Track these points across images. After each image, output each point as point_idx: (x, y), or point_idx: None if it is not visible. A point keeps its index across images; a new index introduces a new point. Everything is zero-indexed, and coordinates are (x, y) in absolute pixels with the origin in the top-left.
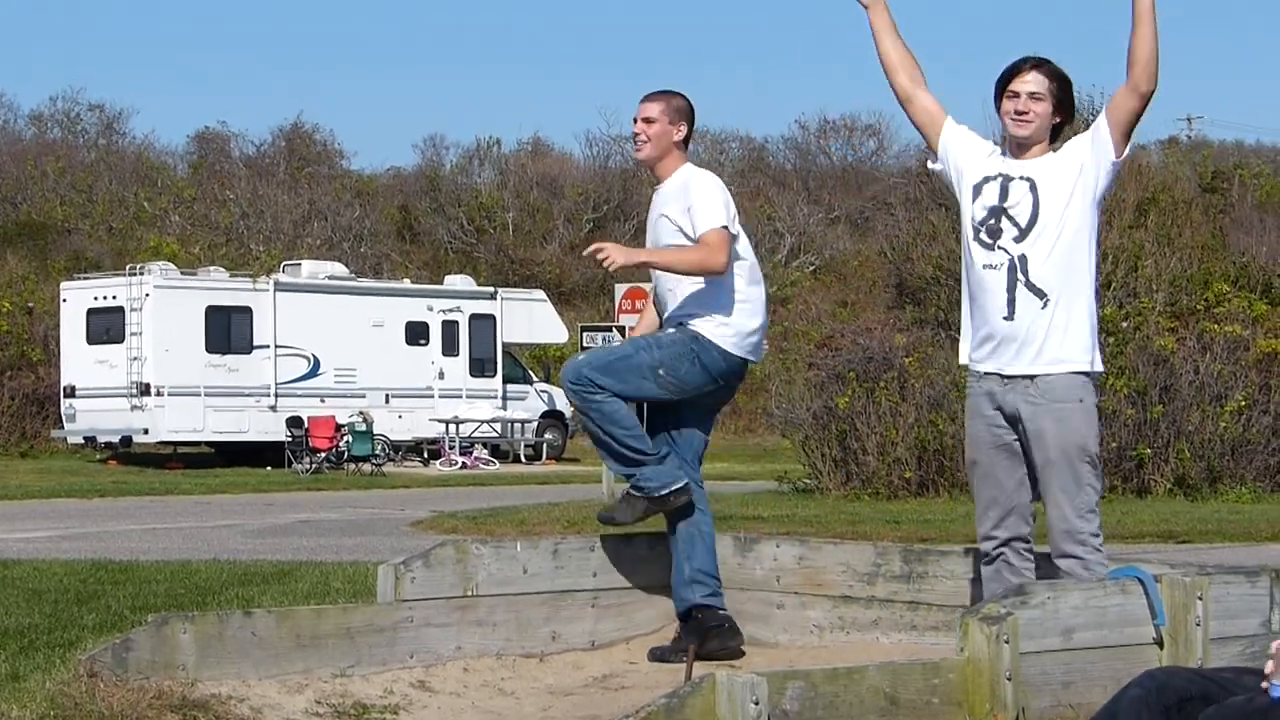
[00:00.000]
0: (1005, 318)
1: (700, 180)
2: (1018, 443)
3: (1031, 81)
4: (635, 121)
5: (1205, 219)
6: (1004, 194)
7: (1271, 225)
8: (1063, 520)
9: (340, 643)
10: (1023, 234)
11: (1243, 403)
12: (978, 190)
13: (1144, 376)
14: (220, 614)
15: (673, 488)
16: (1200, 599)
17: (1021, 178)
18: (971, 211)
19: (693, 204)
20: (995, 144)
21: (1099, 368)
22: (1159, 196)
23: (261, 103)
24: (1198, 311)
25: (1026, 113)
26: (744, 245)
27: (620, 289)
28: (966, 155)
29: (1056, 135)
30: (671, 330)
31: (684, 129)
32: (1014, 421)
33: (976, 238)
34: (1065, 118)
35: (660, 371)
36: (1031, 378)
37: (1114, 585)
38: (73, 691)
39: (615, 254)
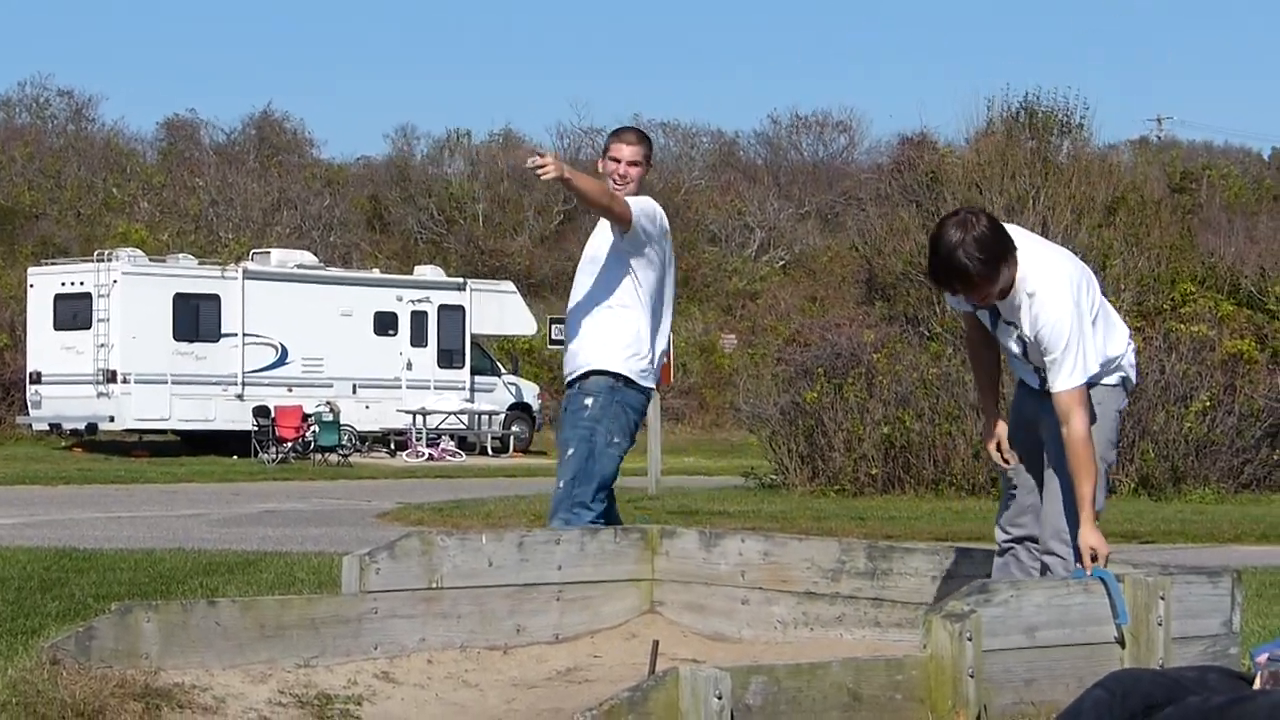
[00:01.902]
0: (1039, 386)
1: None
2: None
3: (976, 288)
4: (619, 162)
5: (1174, 219)
6: (993, 322)
7: (1239, 226)
8: (1055, 519)
9: (304, 633)
10: (1023, 352)
11: (1207, 403)
12: (995, 331)
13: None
14: (184, 603)
15: None
16: (1163, 598)
17: (1009, 322)
18: (1004, 345)
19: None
20: None
21: (1131, 375)
22: (1128, 196)
23: (232, 90)
24: (1164, 311)
25: (984, 301)
26: (655, 262)
27: None
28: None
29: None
30: (587, 398)
31: (649, 162)
32: (1034, 422)
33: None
34: (1010, 267)
35: (615, 440)
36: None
37: (1077, 584)
38: (35, 679)
39: (552, 167)
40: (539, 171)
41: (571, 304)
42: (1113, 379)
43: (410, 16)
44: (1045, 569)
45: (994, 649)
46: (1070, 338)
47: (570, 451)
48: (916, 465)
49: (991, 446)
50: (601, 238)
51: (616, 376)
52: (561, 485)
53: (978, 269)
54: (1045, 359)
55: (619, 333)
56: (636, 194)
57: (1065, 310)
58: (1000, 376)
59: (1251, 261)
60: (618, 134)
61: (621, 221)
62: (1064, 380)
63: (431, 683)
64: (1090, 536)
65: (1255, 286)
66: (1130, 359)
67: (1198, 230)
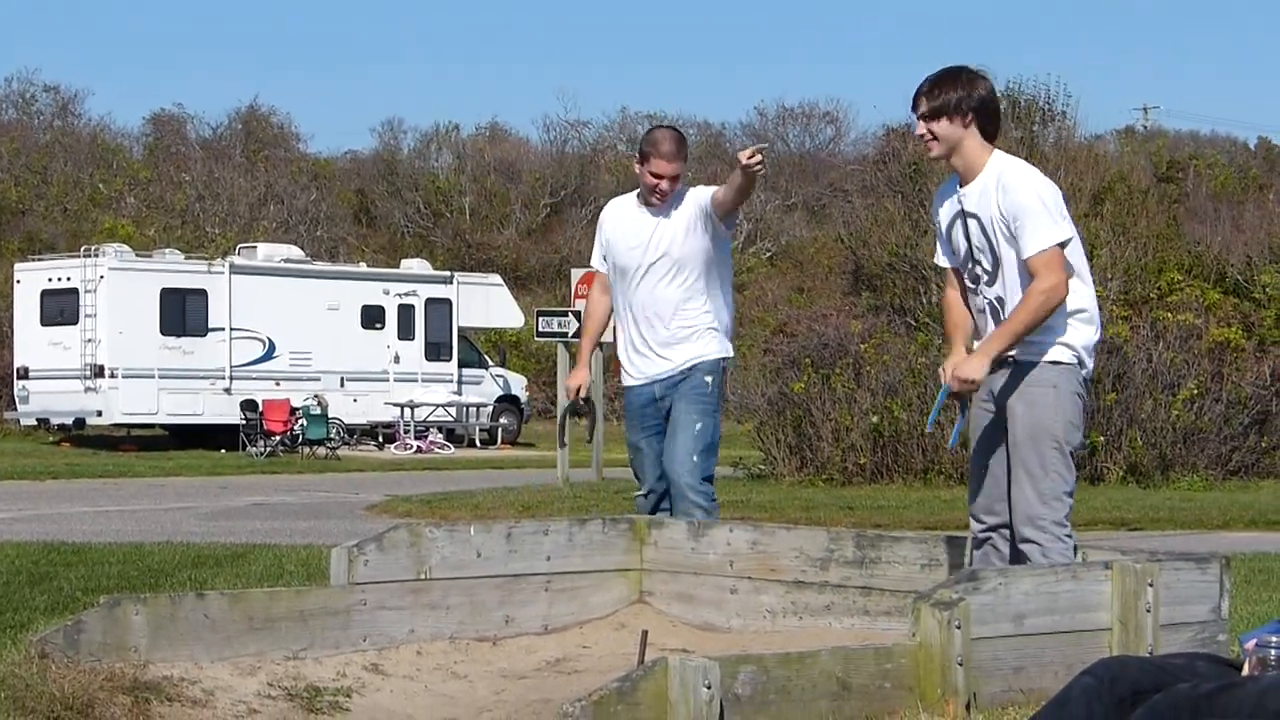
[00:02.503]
0: None
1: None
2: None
3: (921, 104)
4: (661, 179)
5: (1160, 208)
6: (966, 235)
7: (1225, 215)
8: (1025, 504)
9: (293, 625)
10: (991, 278)
11: (1195, 391)
12: (951, 235)
13: (1097, 364)
14: (173, 596)
15: None
16: (1151, 585)
17: (970, 214)
18: (957, 257)
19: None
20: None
21: (1087, 360)
22: (1115, 186)
23: (218, 85)
24: (1151, 300)
25: (924, 135)
26: (727, 246)
27: (576, 274)
28: (943, 229)
29: (992, 136)
30: (706, 375)
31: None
32: (1000, 405)
33: (963, 282)
34: (979, 119)
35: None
36: (1013, 361)
37: (1065, 571)
38: (23, 673)
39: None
40: (758, 168)
41: (657, 295)
42: (1069, 356)
43: (397, 10)
44: (1017, 557)
45: (982, 637)
46: (1042, 202)
47: (699, 426)
48: (905, 454)
49: (948, 366)
50: (670, 235)
51: (723, 360)
52: (694, 458)
53: (943, 82)
54: (1014, 226)
55: (725, 319)
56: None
57: (1039, 185)
58: (972, 328)
59: (1238, 250)
60: (655, 146)
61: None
62: (1034, 241)
63: (420, 674)
64: (972, 363)
65: (1241, 275)
66: (1090, 343)
67: (1184, 219)
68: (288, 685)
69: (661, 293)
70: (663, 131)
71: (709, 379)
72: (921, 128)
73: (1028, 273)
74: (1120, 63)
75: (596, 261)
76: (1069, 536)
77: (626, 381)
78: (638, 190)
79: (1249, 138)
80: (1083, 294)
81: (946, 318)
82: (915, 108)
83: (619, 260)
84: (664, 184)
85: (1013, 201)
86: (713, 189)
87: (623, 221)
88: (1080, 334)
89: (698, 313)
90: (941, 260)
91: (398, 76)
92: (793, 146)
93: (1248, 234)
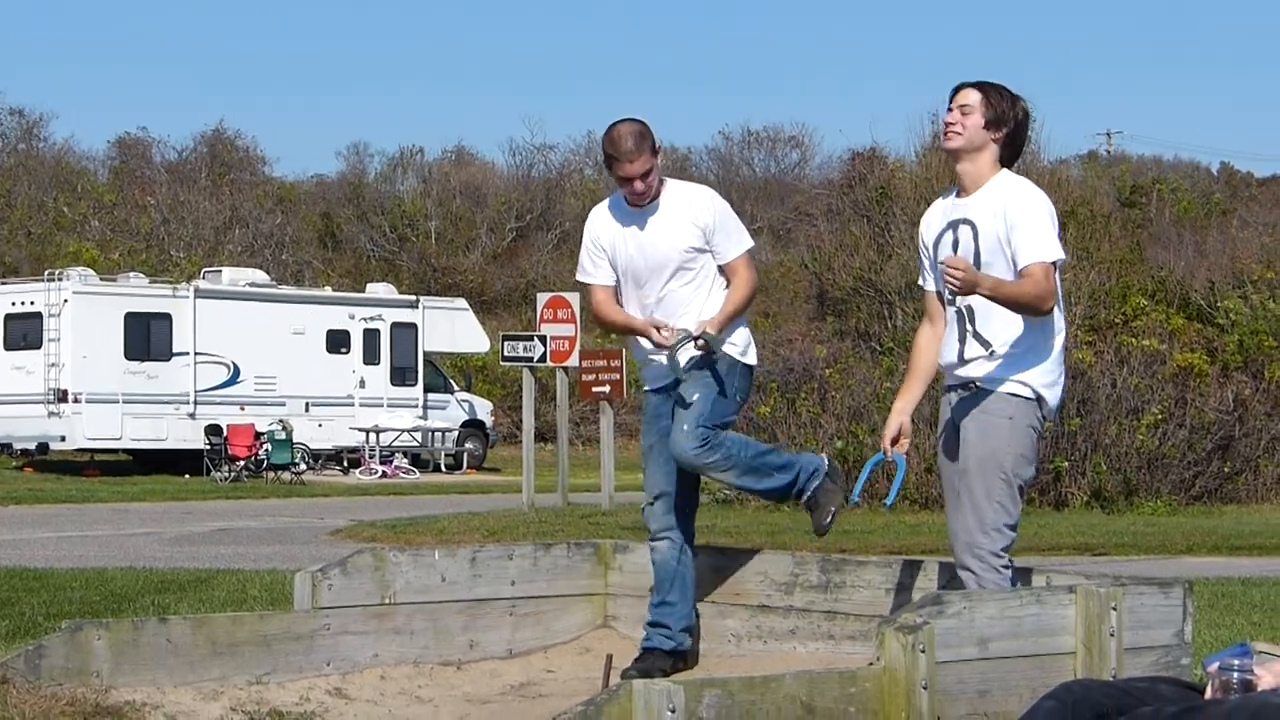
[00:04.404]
0: (956, 360)
1: (713, 199)
2: None
3: (963, 96)
4: (632, 180)
5: (1124, 233)
6: (955, 244)
7: (1189, 240)
8: (965, 532)
9: (256, 650)
10: None
11: (1159, 416)
12: (938, 246)
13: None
14: (135, 621)
15: (825, 463)
16: (1115, 609)
17: (964, 221)
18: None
19: (719, 224)
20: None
21: (1047, 398)
22: (1078, 210)
23: (183, 108)
24: (1115, 325)
25: (954, 123)
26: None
27: (542, 298)
28: (928, 246)
29: (1011, 160)
30: (712, 373)
31: (657, 152)
32: (957, 429)
33: (939, 291)
34: (1008, 139)
35: (738, 397)
36: (973, 387)
37: (1030, 595)
38: None
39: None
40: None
41: (668, 296)
42: (1028, 391)
43: (362, 34)
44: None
45: (947, 660)
46: (1045, 218)
47: (696, 396)
48: (870, 479)
49: (892, 431)
50: (669, 242)
51: (738, 362)
52: (695, 422)
53: (995, 86)
54: (1015, 233)
55: (741, 325)
56: (659, 190)
57: (1049, 205)
58: (932, 376)
59: (1201, 275)
60: (615, 146)
61: None
62: (1036, 250)
63: (384, 698)
64: (973, 273)
65: (1205, 300)
66: (1057, 389)
67: (1147, 244)
68: (251, 710)
69: (672, 292)
70: (620, 128)
71: (720, 371)
72: (954, 116)
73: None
74: (1084, 88)
75: (591, 273)
76: (1006, 568)
77: (645, 385)
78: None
79: (1212, 163)
80: (1054, 339)
81: (914, 357)
82: (957, 97)
83: (624, 265)
84: (636, 184)
85: (1021, 210)
86: (714, 213)
87: (617, 226)
88: (1043, 375)
89: (710, 313)
90: (927, 283)
91: (363, 100)
92: (758, 171)
93: (1211, 259)
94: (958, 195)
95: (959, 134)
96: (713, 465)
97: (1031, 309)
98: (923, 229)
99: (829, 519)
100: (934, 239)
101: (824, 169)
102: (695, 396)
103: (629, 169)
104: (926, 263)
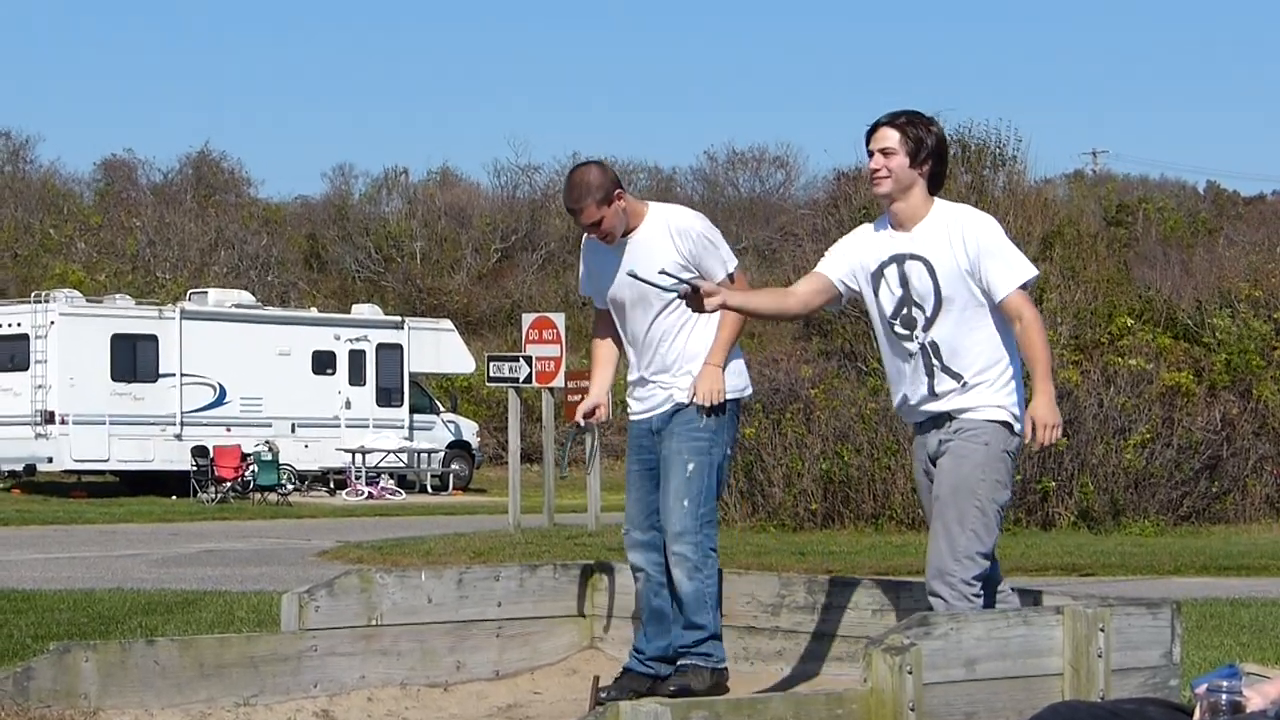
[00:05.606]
0: (928, 394)
1: (694, 221)
2: None
3: (881, 137)
4: (592, 227)
5: (1110, 253)
6: (904, 280)
7: (1175, 259)
8: (937, 557)
9: (244, 672)
10: (929, 322)
11: (1146, 436)
12: (878, 278)
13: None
14: (123, 643)
15: (724, 665)
16: (1103, 630)
17: (912, 256)
18: (879, 304)
19: (701, 248)
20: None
21: (1017, 421)
22: (1064, 230)
23: (169, 130)
24: (1102, 344)
25: (879, 169)
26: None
27: (527, 319)
28: (858, 257)
29: (938, 185)
30: (701, 419)
31: (619, 193)
32: (934, 461)
33: (891, 330)
34: (933, 167)
35: (724, 465)
36: (950, 416)
37: (1017, 616)
38: None
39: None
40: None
41: (652, 325)
42: (1004, 415)
43: (347, 55)
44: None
45: (934, 682)
46: (1005, 240)
47: (690, 468)
48: (856, 500)
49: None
50: (649, 274)
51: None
52: (684, 503)
53: (911, 119)
54: (981, 265)
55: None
56: (624, 216)
57: (998, 227)
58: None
59: (1188, 294)
60: (566, 195)
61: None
62: (1010, 278)
63: None
64: (1047, 409)
65: (1192, 319)
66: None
67: (1134, 264)
68: None
69: (656, 322)
70: (572, 178)
71: (705, 415)
72: (878, 161)
73: (991, 311)
74: (1070, 107)
75: (590, 293)
76: (977, 596)
77: (630, 415)
78: None
79: (1198, 182)
80: (1016, 361)
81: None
82: (873, 141)
83: (611, 295)
84: (595, 231)
85: (981, 239)
86: (695, 238)
87: (602, 255)
88: (1012, 396)
89: (698, 342)
90: (827, 270)
91: (349, 122)
92: (743, 191)
93: (1197, 278)
94: (893, 228)
95: (886, 178)
96: (683, 557)
97: (1044, 331)
98: (859, 247)
99: (673, 689)
100: (875, 267)
101: (809, 189)
102: (690, 468)
103: (581, 219)
104: (844, 265)
